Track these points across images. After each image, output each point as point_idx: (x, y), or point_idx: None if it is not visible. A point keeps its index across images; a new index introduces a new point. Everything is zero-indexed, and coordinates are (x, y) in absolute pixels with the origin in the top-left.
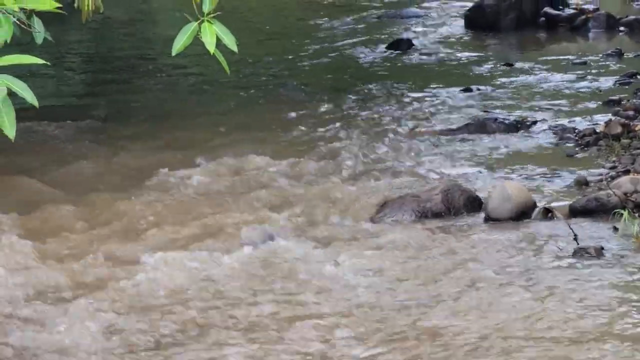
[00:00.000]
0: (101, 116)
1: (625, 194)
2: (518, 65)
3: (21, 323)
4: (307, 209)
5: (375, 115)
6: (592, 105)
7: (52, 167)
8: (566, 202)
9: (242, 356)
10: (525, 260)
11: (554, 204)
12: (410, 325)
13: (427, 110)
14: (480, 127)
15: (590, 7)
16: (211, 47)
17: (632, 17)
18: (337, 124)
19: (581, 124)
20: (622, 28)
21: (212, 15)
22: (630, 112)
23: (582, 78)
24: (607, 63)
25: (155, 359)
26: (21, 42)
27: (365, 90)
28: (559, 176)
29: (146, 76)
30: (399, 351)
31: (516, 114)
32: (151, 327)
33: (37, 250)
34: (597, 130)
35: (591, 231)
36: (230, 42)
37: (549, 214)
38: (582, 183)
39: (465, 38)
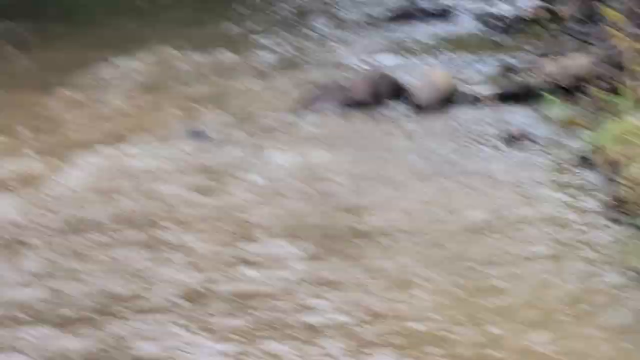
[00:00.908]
0: (23, 15)
1: (550, 77)
2: None
3: None
4: (233, 103)
5: (299, 7)
6: None
7: None
8: (492, 88)
9: (173, 243)
10: (451, 145)
11: (480, 90)
12: (339, 204)
13: (350, 0)
14: (405, 16)
15: None
16: None
17: None
18: (260, 17)
19: (506, 9)
20: None
21: None
22: None
23: None
24: None
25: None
26: None
27: None
28: (485, 62)
29: None
30: (344, 248)
31: (441, 2)
32: (84, 217)
33: None
34: (523, 16)
35: (518, 116)
36: None
37: (475, 100)
38: (507, 68)
39: None
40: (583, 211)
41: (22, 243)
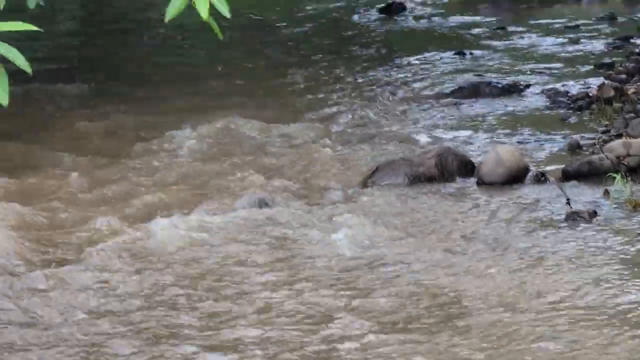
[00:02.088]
0: (92, 80)
1: (617, 157)
2: (510, 28)
3: (24, 289)
4: (299, 174)
5: (368, 80)
6: (584, 68)
7: (43, 131)
8: (559, 166)
9: (229, 316)
10: (518, 224)
11: (546, 168)
12: (407, 287)
13: (420, 75)
14: (473, 91)
15: None
16: (204, 13)
17: None
18: (329, 88)
19: (574, 87)
20: None
21: None
22: (623, 76)
23: (574, 42)
24: (600, 27)
25: (154, 313)
26: (12, 7)
27: (358, 54)
28: (552, 140)
29: (138, 42)
30: (400, 312)
31: (509, 78)
32: (149, 285)
33: (34, 214)
34: (590, 94)
35: (584, 195)
36: (223, 7)
37: (542, 178)
38: (574, 147)
39: (458, 1)
40: None
41: None
